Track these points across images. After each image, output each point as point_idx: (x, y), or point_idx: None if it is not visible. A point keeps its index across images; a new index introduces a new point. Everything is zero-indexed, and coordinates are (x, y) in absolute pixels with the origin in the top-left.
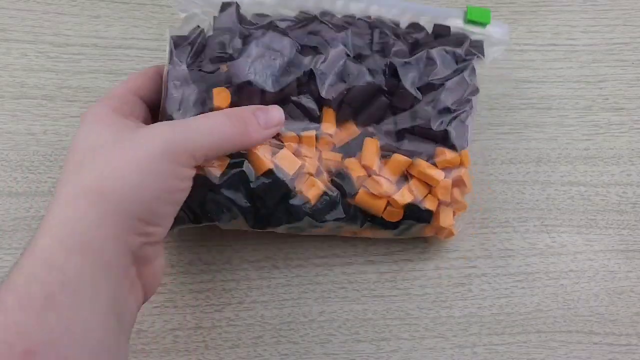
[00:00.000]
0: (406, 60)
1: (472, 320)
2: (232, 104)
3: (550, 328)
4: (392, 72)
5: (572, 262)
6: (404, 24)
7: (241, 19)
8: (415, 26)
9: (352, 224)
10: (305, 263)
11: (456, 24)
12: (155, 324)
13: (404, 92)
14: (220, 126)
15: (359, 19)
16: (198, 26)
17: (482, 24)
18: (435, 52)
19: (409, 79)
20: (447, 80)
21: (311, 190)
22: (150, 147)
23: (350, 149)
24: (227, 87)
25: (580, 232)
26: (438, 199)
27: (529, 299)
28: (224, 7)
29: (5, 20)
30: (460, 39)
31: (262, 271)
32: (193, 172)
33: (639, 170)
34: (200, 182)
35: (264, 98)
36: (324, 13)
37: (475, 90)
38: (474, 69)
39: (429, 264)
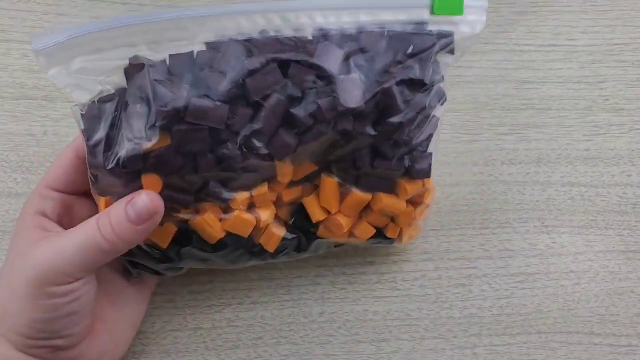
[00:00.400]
0: (358, 107)
1: (473, 321)
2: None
3: (551, 329)
4: (347, 117)
5: (573, 263)
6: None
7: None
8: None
9: (317, 251)
10: (305, 264)
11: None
12: (155, 324)
13: (360, 135)
14: (92, 239)
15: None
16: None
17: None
18: (394, 90)
19: (364, 123)
20: (406, 117)
21: (270, 241)
22: (23, 273)
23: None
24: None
25: (580, 233)
26: (400, 227)
27: (530, 300)
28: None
29: (5, 21)
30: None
31: (262, 272)
32: (78, 284)
33: (639, 171)
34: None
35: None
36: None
37: (444, 99)
38: (440, 89)
39: (429, 265)
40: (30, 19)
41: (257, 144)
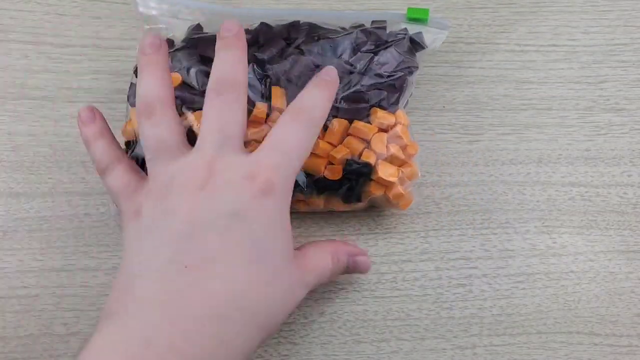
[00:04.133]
0: (337, 36)
1: (473, 321)
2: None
3: (551, 329)
4: (327, 50)
5: (573, 263)
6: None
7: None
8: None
9: (298, 192)
10: None
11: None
12: None
13: (339, 65)
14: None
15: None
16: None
17: (423, 20)
18: (367, 30)
19: (342, 52)
20: (378, 51)
21: None
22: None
23: None
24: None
25: (581, 233)
26: (375, 152)
27: (530, 300)
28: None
29: (6, 21)
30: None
31: None
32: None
33: None
34: None
35: None
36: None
37: (414, 67)
38: (411, 49)
39: (430, 265)
40: (31, 19)
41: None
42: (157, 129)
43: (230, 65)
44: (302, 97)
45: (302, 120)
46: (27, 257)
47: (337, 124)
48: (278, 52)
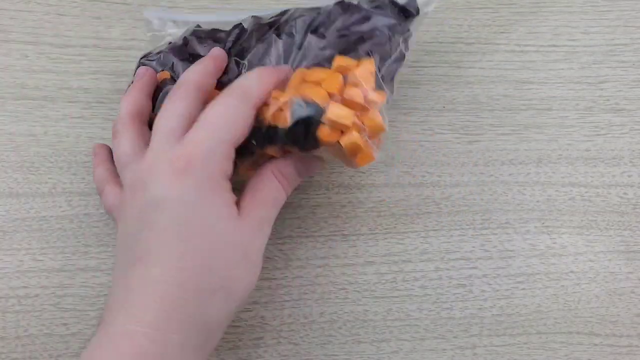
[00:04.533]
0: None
1: (473, 321)
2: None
3: (551, 329)
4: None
5: (573, 264)
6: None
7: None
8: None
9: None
10: (305, 264)
11: None
12: None
13: (311, 42)
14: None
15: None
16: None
17: None
18: (344, 2)
19: (318, 28)
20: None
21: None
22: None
23: None
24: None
25: (581, 233)
26: (328, 93)
27: (530, 300)
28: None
29: (5, 21)
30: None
31: (262, 272)
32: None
33: None
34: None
35: None
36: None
37: (405, 32)
38: (400, 14)
39: (430, 265)
40: (31, 19)
41: None
42: (120, 146)
43: (186, 72)
44: (239, 78)
45: (233, 95)
46: (27, 257)
47: (296, 73)
48: (259, 38)
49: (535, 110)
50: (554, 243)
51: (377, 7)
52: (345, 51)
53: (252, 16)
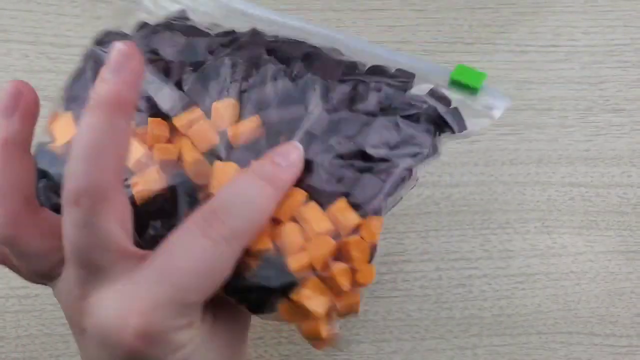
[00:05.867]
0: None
1: (473, 321)
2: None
3: (551, 329)
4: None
5: (573, 264)
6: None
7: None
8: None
9: None
10: None
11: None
12: None
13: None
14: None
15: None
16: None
17: (471, 89)
18: (373, 86)
19: (331, 103)
20: (375, 116)
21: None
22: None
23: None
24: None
25: (581, 234)
26: (308, 262)
27: (530, 300)
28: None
29: (5, 21)
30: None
31: None
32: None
33: None
34: None
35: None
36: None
37: (423, 150)
38: (430, 128)
39: (430, 265)
40: (31, 19)
41: None
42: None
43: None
44: (228, 190)
45: (214, 234)
46: None
47: (292, 197)
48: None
49: (536, 110)
50: (554, 243)
51: (413, 116)
52: (351, 186)
53: (253, 29)
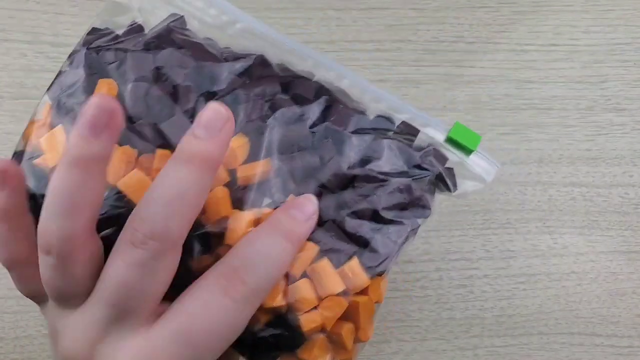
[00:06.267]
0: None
1: (474, 322)
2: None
3: (552, 330)
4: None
5: (574, 264)
6: (371, 113)
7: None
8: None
9: None
10: None
11: (434, 137)
12: None
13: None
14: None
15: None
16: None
17: (465, 150)
18: (385, 143)
19: (347, 156)
20: (389, 178)
21: None
22: None
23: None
24: None
25: (582, 234)
26: (321, 323)
27: (531, 301)
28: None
29: (4, 21)
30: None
31: None
32: None
33: None
34: None
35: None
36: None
37: (425, 210)
38: (431, 188)
39: (430, 266)
40: (29, 19)
41: None
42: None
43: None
44: (248, 247)
45: (236, 295)
46: None
47: (305, 251)
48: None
49: (536, 109)
50: (555, 243)
51: (416, 167)
52: (364, 246)
53: (259, 56)
